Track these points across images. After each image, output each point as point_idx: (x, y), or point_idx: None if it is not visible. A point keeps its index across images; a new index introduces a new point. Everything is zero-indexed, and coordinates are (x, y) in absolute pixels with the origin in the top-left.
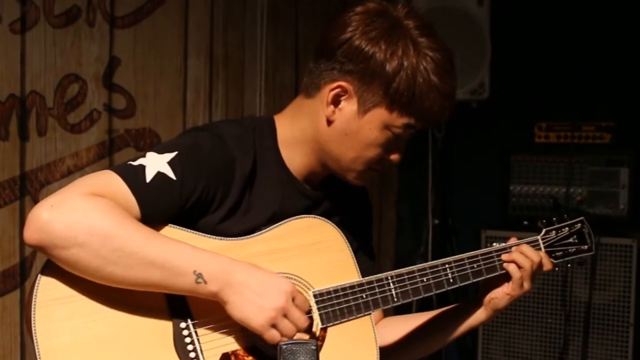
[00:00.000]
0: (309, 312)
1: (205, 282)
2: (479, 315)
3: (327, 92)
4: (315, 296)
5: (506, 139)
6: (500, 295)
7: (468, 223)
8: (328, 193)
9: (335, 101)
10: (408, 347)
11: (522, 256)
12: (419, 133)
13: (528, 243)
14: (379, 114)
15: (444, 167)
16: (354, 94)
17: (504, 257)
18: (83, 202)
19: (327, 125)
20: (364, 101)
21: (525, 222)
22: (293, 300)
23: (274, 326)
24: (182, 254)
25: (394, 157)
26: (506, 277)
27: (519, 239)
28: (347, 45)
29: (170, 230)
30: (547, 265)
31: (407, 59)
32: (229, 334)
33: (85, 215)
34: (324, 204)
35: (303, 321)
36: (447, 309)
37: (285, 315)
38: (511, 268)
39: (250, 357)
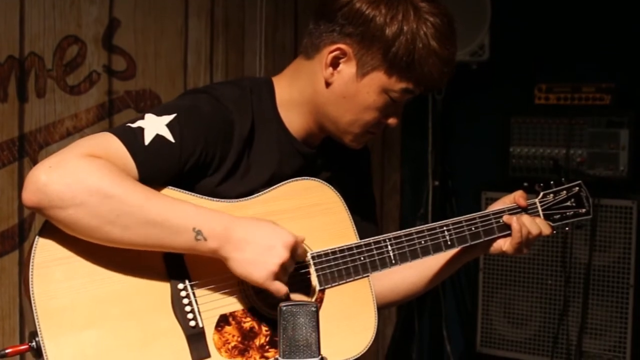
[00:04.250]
0: (307, 273)
1: (205, 239)
2: (471, 256)
3: (326, 54)
4: (313, 258)
5: (506, 101)
6: (496, 247)
7: (468, 185)
8: (326, 151)
9: (334, 63)
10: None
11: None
12: (418, 96)
13: (525, 206)
14: (378, 78)
15: (443, 129)
16: (353, 57)
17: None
18: (81, 162)
19: (325, 87)
20: (362, 64)
21: (525, 184)
22: (295, 251)
23: (277, 279)
24: (181, 212)
25: (392, 121)
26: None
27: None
28: (347, 7)
29: (169, 193)
30: (546, 230)
31: (407, 23)
32: (227, 295)
33: (84, 175)
34: (318, 162)
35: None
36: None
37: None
38: (515, 225)
39: (249, 319)
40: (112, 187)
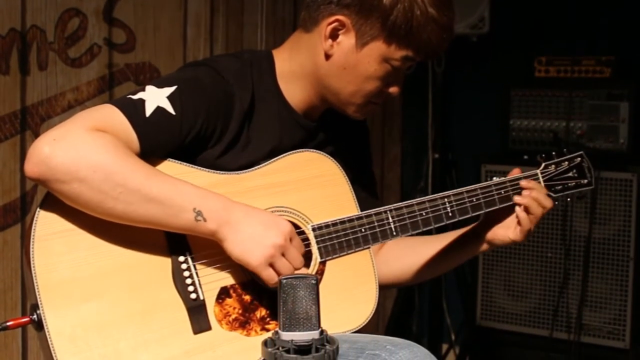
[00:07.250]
0: (307, 246)
1: (205, 220)
2: (477, 249)
3: (325, 26)
4: (314, 230)
5: (506, 74)
6: (502, 238)
7: (468, 157)
8: (326, 125)
9: (333, 35)
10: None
11: (536, 204)
12: (418, 67)
13: (527, 177)
14: (377, 47)
15: (444, 102)
16: (352, 28)
17: (517, 199)
18: (86, 137)
19: (325, 59)
20: (361, 35)
21: (525, 157)
22: (290, 241)
23: (271, 265)
24: (183, 192)
25: (393, 90)
26: (506, 210)
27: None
28: None
29: (170, 165)
30: (548, 203)
31: None
32: (228, 268)
33: (88, 150)
34: (319, 135)
35: (300, 262)
36: (447, 238)
37: (283, 255)
38: (523, 216)
39: (250, 291)
40: (116, 164)
